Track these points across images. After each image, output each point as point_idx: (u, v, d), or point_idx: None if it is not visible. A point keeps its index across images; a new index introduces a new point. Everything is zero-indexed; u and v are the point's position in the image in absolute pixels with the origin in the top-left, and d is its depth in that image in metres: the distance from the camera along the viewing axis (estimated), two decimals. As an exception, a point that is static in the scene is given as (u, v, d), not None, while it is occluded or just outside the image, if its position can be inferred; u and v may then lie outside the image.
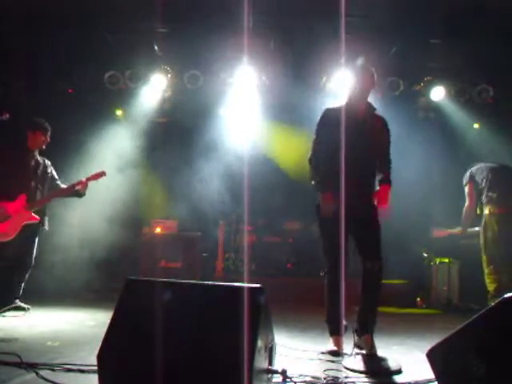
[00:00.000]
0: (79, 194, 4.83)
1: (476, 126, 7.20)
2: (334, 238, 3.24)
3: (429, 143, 6.66)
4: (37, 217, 4.60)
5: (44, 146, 4.84)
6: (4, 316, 4.36)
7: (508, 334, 1.84)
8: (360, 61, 3.52)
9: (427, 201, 6.72)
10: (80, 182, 4.71)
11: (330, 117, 3.37)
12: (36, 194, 4.71)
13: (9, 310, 4.48)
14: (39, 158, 4.86)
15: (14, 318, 4.33)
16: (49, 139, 4.83)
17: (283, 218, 7.16)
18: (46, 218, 4.82)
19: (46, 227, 4.84)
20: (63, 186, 4.87)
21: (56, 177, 4.95)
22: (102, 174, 4.84)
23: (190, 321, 2.14)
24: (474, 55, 5.97)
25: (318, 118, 3.45)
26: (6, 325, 3.98)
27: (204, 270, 6.45)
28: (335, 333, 3.34)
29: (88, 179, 4.76)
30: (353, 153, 3.14)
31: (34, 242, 4.72)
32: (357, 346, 3.08)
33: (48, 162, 4.94)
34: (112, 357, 2.08)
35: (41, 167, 4.82)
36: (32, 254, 4.71)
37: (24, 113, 5.16)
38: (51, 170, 4.94)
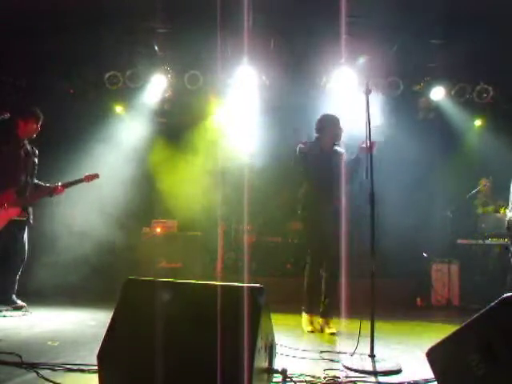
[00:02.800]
0: (51, 195, 4.77)
1: (478, 122, 7.19)
2: (321, 242, 4.20)
3: (429, 143, 6.66)
4: (23, 213, 4.52)
5: (35, 135, 4.71)
6: (4, 316, 4.36)
7: (508, 334, 1.84)
8: (331, 114, 4.43)
9: (427, 200, 6.72)
10: (56, 188, 4.66)
11: (305, 150, 4.29)
12: (26, 188, 4.60)
13: (7, 310, 4.49)
14: (28, 146, 4.70)
15: (14, 318, 4.33)
16: (40, 128, 4.69)
17: (284, 218, 7.14)
18: (31, 212, 4.71)
19: (31, 221, 4.72)
20: (39, 182, 4.77)
21: (36, 172, 4.78)
22: (95, 176, 4.83)
23: (190, 321, 2.14)
24: (474, 55, 5.96)
25: (297, 151, 4.30)
26: (6, 325, 3.98)
27: (204, 270, 6.44)
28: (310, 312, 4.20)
29: (72, 183, 4.73)
30: (325, 178, 4.20)
31: (23, 237, 4.64)
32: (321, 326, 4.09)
33: (36, 152, 4.78)
34: (112, 357, 2.08)
35: (31, 157, 4.68)
36: (23, 249, 4.64)
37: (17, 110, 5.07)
38: (37, 161, 4.78)
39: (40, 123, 4.69)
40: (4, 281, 4.59)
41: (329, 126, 4.34)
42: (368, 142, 3.70)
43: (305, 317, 4.23)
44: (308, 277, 4.24)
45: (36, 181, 4.79)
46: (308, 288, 4.24)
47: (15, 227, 4.54)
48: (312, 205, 4.23)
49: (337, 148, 4.39)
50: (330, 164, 4.25)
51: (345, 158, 4.33)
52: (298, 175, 4.45)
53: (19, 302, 4.60)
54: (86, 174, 4.80)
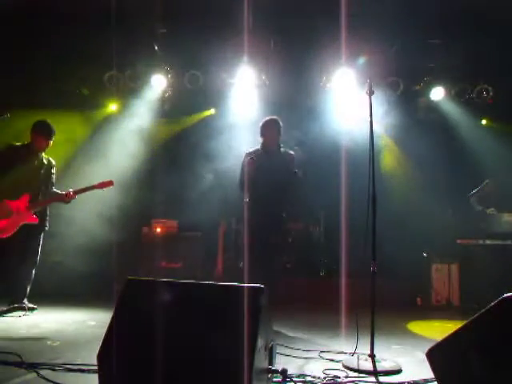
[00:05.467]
0: (65, 202, 4.78)
1: (479, 122, 7.19)
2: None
3: (428, 143, 6.66)
4: (36, 218, 4.61)
5: (45, 150, 4.84)
6: (4, 316, 4.36)
7: (507, 334, 1.84)
8: (267, 118, 4.71)
9: (427, 201, 6.72)
10: (68, 194, 4.66)
11: (247, 155, 4.54)
12: (39, 194, 4.72)
13: (15, 309, 4.49)
14: (44, 158, 4.86)
15: (14, 317, 4.33)
16: (51, 143, 4.82)
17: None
18: (47, 218, 4.84)
19: (47, 227, 4.85)
20: (56, 191, 4.84)
21: (54, 181, 4.94)
22: (110, 183, 4.78)
23: (190, 321, 2.14)
24: (474, 55, 5.96)
25: (242, 160, 4.58)
26: (6, 325, 3.99)
27: (204, 270, 6.44)
28: None
29: (92, 187, 4.72)
30: (268, 181, 4.32)
31: (38, 242, 4.74)
32: None
33: (53, 163, 4.95)
34: (112, 357, 2.08)
35: (44, 167, 4.83)
36: (36, 254, 4.72)
37: (24, 113, 5.15)
38: (54, 171, 4.94)
39: (51, 139, 4.79)
40: (16, 283, 4.61)
41: (269, 128, 4.67)
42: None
43: None
44: None
45: (55, 190, 4.87)
46: None
47: (32, 233, 4.63)
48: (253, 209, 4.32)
49: (284, 149, 4.70)
50: (273, 165, 4.51)
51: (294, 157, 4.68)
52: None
53: (30, 305, 4.60)
54: (101, 181, 4.77)
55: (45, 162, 4.85)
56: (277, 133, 4.66)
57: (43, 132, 4.74)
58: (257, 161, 4.44)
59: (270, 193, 4.35)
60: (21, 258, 4.61)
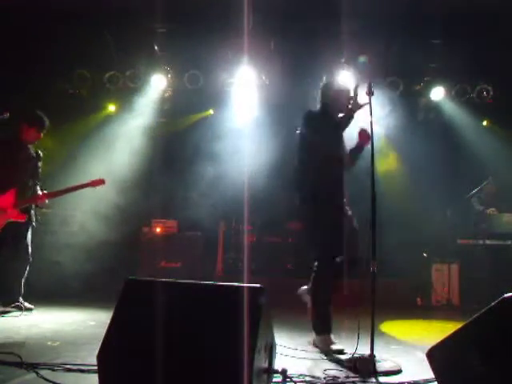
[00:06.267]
0: (36, 204, 4.66)
1: (479, 122, 7.19)
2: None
3: (428, 143, 6.67)
4: (23, 216, 4.46)
5: (35, 142, 4.67)
6: (4, 316, 4.36)
7: (507, 334, 1.84)
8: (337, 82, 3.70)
9: (427, 201, 6.73)
10: (38, 197, 4.56)
11: (317, 119, 3.58)
12: (26, 190, 4.54)
13: (12, 308, 4.47)
14: (32, 150, 4.66)
15: (13, 318, 4.33)
16: (42, 136, 4.62)
17: (284, 218, 7.13)
18: (33, 213, 4.66)
19: (34, 222, 4.69)
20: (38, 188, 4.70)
21: (40, 175, 4.74)
22: (101, 182, 4.74)
23: (190, 321, 2.14)
24: (474, 55, 5.97)
25: (304, 119, 3.58)
26: (6, 325, 3.98)
27: (204, 270, 6.44)
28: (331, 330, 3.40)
29: (83, 186, 4.64)
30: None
31: (26, 238, 4.59)
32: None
33: (41, 155, 4.73)
34: (112, 357, 2.08)
35: (33, 160, 4.62)
36: (27, 250, 4.60)
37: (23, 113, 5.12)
38: (41, 164, 4.73)
39: (44, 131, 4.62)
40: (9, 281, 4.56)
41: (341, 91, 3.61)
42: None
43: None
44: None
45: (38, 186, 4.72)
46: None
47: (19, 230, 4.52)
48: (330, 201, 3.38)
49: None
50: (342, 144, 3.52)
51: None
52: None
53: (27, 305, 4.57)
54: (92, 179, 4.72)
55: (33, 154, 4.63)
56: (346, 102, 3.55)
57: (35, 123, 4.52)
58: (331, 129, 3.47)
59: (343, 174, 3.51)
60: (12, 256, 4.52)
